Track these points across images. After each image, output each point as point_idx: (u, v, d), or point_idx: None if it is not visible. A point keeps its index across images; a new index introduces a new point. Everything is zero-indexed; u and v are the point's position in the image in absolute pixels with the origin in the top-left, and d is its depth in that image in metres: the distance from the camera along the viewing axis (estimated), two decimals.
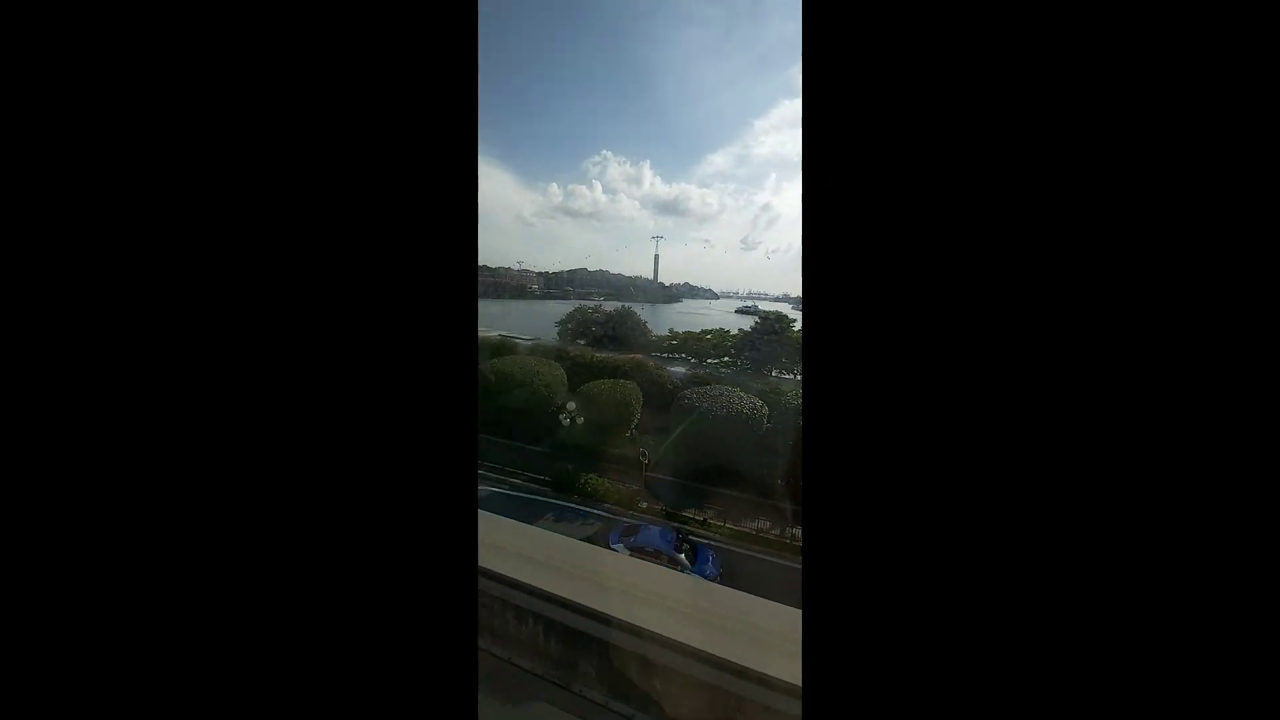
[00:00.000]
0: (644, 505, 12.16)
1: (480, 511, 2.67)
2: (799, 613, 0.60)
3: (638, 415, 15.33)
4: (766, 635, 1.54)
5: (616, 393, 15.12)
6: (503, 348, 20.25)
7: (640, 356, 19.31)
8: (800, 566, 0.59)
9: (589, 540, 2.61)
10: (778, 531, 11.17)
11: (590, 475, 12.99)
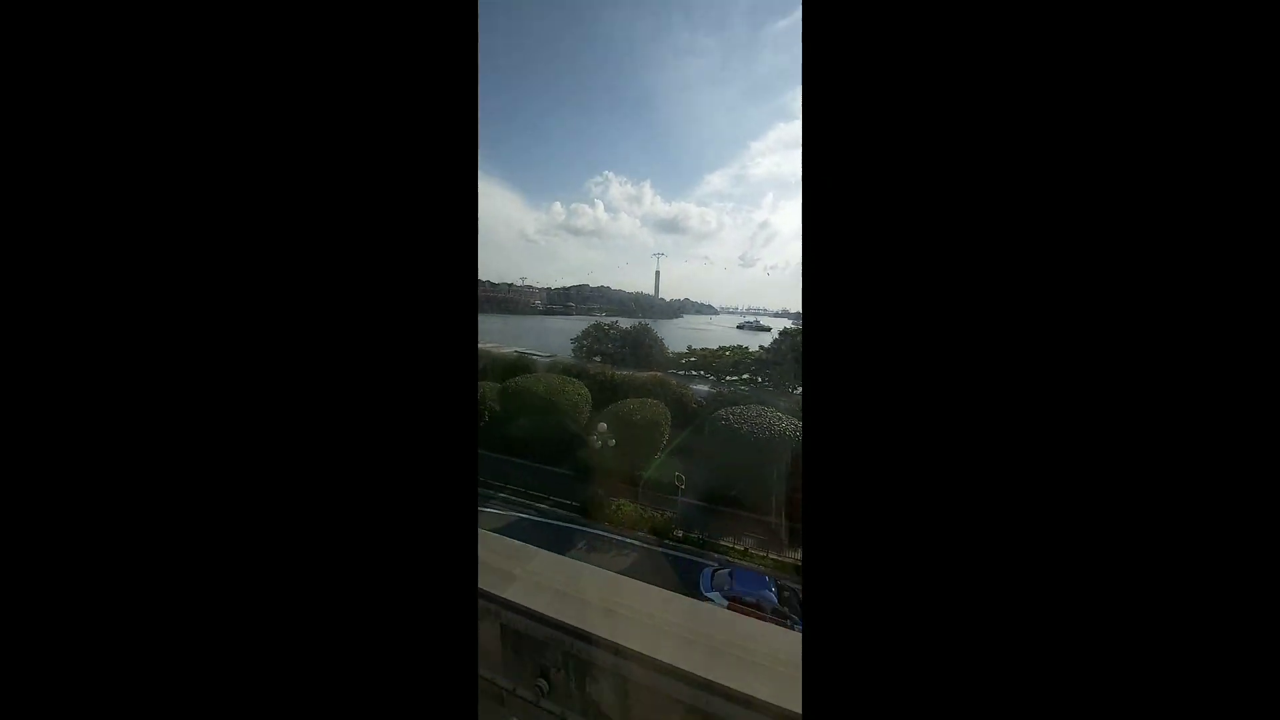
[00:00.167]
0: (678, 533, 11.46)
1: (526, 544, 2.38)
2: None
3: (666, 436, 14.68)
4: None
5: (646, 413, 14.39)
6: (520, 365, 19.58)
7: (661, 374, 18.76)
8: None
9: (629, 574, 2.20)
10: None
11: (621, 501, 12.31)
